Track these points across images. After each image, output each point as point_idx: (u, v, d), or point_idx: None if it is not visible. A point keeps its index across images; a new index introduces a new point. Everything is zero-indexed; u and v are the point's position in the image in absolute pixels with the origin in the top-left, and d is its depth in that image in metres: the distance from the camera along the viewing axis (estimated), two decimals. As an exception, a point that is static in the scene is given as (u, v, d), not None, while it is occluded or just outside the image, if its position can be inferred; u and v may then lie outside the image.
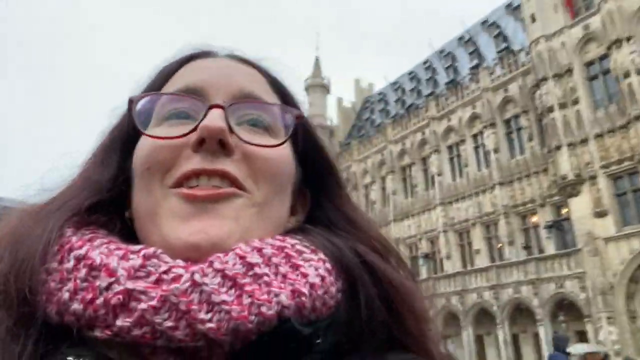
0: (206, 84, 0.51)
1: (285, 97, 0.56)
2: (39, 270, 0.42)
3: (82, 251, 0.43)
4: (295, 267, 0.45)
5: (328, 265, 0.47)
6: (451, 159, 31.48)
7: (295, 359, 0.41)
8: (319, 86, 50.38)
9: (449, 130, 31.74)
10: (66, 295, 0.41)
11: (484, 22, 37.27)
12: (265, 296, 0.42)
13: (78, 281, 0.41)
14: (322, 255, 0.47)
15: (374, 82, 53.55)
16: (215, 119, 0.46)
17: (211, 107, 0.48)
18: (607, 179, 21.82)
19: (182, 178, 0.46)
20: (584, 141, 22.75)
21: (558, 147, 23.27)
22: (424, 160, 33.38)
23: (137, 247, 0.43)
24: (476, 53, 33.82)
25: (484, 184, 28.23)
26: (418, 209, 32.38)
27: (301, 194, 0.56)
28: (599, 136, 22.39)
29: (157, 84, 0.55)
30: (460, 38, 37.98)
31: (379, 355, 0.46)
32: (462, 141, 30.55)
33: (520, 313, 24.62)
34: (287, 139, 0.50)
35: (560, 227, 23.95)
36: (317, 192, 0.56)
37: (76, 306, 0.40)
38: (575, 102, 23.58)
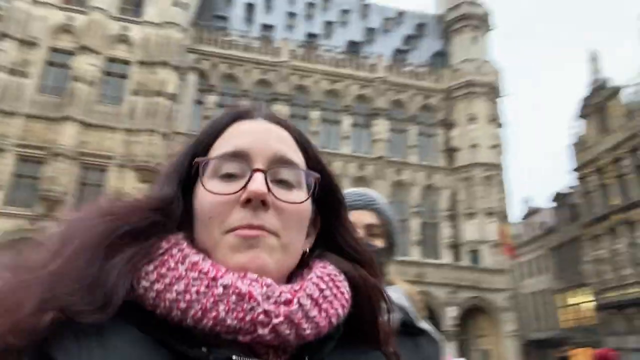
0: (249, 148, 0.65)
1: (307, 151, 0.71)
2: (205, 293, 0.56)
3: (228, 281, 0.56)
4: (338, 287, 0.64)
5: (347, 283, 0.67)
6: None
7: (324, 346, 0.62)
8: None
9: None
10: (222, 314, 0.55)
11: None
12: (333, 311, 0.62)
13: (231, 304, 0.55)
14: (343, 276, 0.67)
15: None
16: (259, 184, 0.61)
17: (255, 170, 0.62)
18: (16, 157, 22.30)
19: (234, 228, 0.60)
20: (13, 114, 22.58)
21: (-15, 107, 21.86)
22: None
23: (254, 276, 0.58)
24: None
25: None
26: None
27: (314, 220, 0.71)
28: (30, 117, 22.85)
29: (208, 139, 0.69)
30: None
31: (359, 347, 0.68)
32: None
33: None
34: (307, 198, 0.65)
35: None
36: (327, 218, 0.73)
37: (230, 322, 0.55)
38: (25, 75, 23.39)
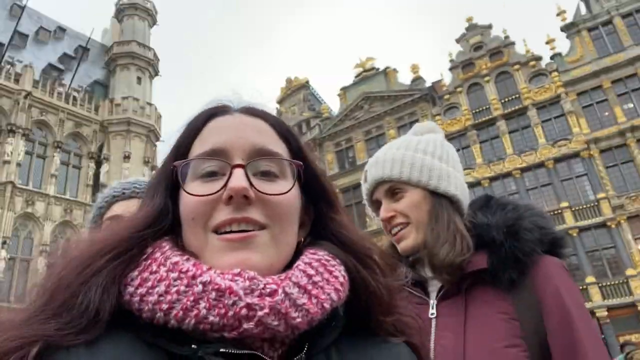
0: (227, 144, 0.64)
1: (288, 141, 0.70)
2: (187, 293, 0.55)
3: (207, 277, 0.55)
4: (330, 272, 0.63)
5: (342, 267, 0.65)
6: None
7: (324, 334, 0.60)
8: None
9: None
10: (204, 311, 0.54)
11: None
12: (324, 296, 0.60)
13: (211, 301, 0.54)
14: (338, 261, 0.66)
15: None
16: (238, 180, 0.60)
17: (234, 166, 0.62)
18: None
19: (219, 225, 0.60)
20: None
21: None
22: None
23: (236, 271, 0.57)
24: None
25: None
26: None
27: (307, 209, 0.71)
28: None
29: (187, 140, 0.68)
30: None
31: (363, 333, 0.67)
32: None
33: None
34: (291, 187, 0.64)
35: None
36: (319, 207, 0.72)
37: (212, 318, 0.53)
38: None
